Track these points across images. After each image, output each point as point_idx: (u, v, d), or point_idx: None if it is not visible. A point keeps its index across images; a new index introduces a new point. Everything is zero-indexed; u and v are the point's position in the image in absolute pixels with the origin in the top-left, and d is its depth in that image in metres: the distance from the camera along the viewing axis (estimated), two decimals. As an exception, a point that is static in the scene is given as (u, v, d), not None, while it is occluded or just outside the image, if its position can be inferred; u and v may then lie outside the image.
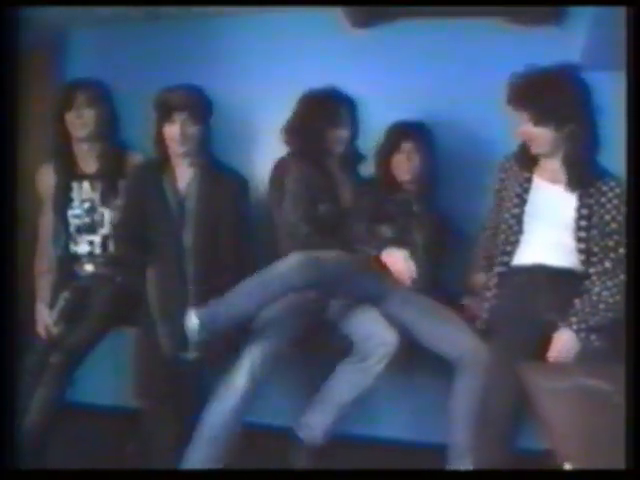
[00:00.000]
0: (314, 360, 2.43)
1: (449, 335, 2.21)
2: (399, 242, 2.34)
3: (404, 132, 2.51)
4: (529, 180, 2.13)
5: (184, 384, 2.29)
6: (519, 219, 2.12)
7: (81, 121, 2.44)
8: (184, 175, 2.45)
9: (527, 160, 2.14)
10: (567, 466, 1.21)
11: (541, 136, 2.05)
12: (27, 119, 2.32)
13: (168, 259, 2.39)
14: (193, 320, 2.11)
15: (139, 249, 2.42)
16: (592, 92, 2.03)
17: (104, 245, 2.50)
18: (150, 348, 2.29)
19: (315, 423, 2.28)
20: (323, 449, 2.27)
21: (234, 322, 2.16)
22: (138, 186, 2.45)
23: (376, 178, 2.55)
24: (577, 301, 2.02)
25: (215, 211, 2.41)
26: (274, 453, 2.25)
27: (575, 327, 1.98)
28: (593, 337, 2.00)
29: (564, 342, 1.98)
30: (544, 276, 2.08)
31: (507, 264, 2.13)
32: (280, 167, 2.51)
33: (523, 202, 2.12)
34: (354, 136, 2.53)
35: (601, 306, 2.01)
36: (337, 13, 2.61)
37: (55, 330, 2.37)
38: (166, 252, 2.40)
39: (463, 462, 2.07)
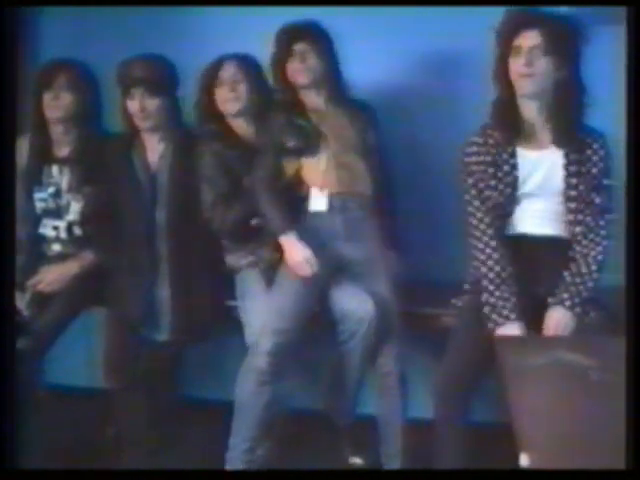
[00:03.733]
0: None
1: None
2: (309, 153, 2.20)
3: (293, 33, 2.23)
4: (514, 154, 1.97)
5: (155, 366, 2.22)
6: (514, 198, 1.97)
7: (57, 103, 2.35)
8: (155, 150, 2.36)
9: (507, 121, 1.96)
10: (523, 458, 1.09)
11: (543, 68, 1.88)
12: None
13: (139, 237, 2.32)
14: None
15: (109, 227, 2.34)
16: (588, 45, 1.90)
17: (69, 230, 2.41)
18: (120, 329, 2.23)
19: (341, 406, 2.30)
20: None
21: None
22: (107, 163, 2.36)
23: (276, 98, 2.30)
24: (566, 274, 1.92)
25: (188, 186, 2.32)
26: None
27: (568, 303, 1.89)
28: (588, 308, 1.91)
29: (558, 321, 1.89)
30: (529, 246, 1.98)
31: (502, 230, 2.00)
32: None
33: (515, 180, 1.96)
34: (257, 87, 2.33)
35: (593, 269, 1.91)
36: None
37: (27, 313, 2.30)
38: (137, 230, 2.33)
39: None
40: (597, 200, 1.93)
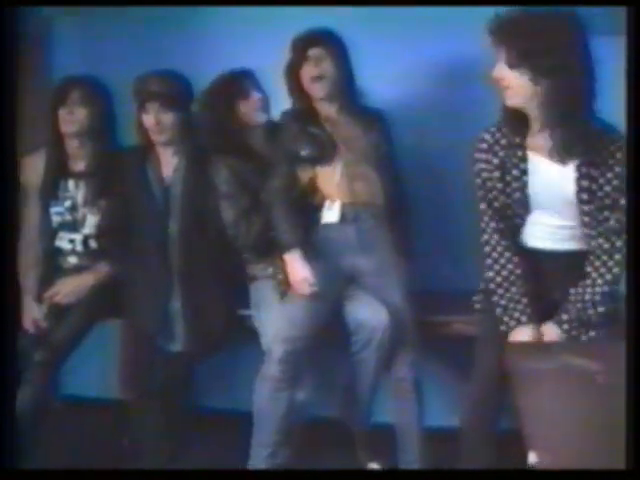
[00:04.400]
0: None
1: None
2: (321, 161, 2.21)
3: (309, 39, 2.23)
4: (524, 159, 1.89)
5: (170, 376, 2.24)
6: (523, 202, 1.91)
7: (72, 118, 2.39)
8: (169, 163, 2.39)
9: (517, 126, 1.89)
10: (532, 456, 1.09)
11: (515, 82, 1.79)
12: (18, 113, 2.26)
13: (153, 249, 2.35)
14: None
15: (123, 240, 2.37)
16: (587, 41, 1.77)
17: (85, 243, 2.44)
18: (135, 339, 2.26)
19: (357, 414, 2.28)
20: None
21: None
22: (122, 176, 2.40)
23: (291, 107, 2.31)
24: (572, 291, 1.87)
25: (201, 199, 2.35)
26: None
27: (565, 327, 1.85)
28: (584, 330, 1.87)
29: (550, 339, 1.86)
30: (542, 260, 1.93)
31: (515, 238, 1.95)
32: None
33: (524, 185, 1.90)
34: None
35: (597, 300, 1.85)
36: None
37: (44, 325, 2.34)
38: (151, 241, 2.36)
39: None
40: (610, 217, 1.85)
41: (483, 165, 1.93)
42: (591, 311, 1.85)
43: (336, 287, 2.20)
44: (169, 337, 2.26)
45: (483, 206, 1.94)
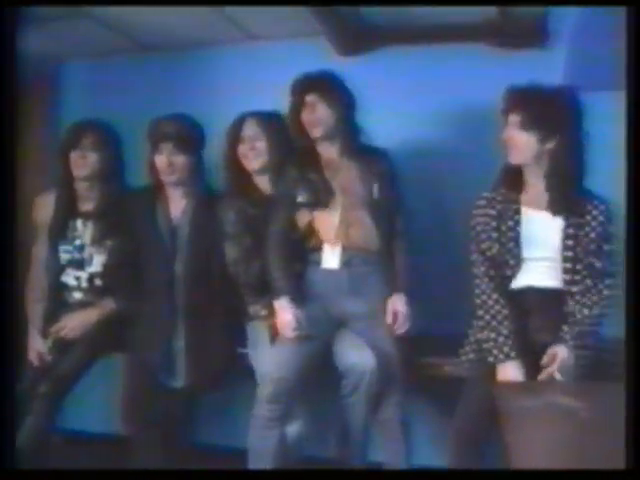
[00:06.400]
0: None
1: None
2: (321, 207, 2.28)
3: (305, 84, 2.28)
4: (518, 211, 2.10)
5: (171, 411, 2.30)
6: (516, 252, 2.08)
7: (84, 162, 2.48)
8: (178, 204, 2.48)
9: (513, 183, 2.11)
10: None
11: (524, 142, 2.04)
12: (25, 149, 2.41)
13: (158, 287, 2.42)
14: None
15: (129, 277, 2.45)
16: (584, 115, 2.04)
17: (90, 281, 2.52)
18: (138, 375, 2.31)
19: (351, 454, 2.31)
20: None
21: None
22: (130, 216, 2.49)
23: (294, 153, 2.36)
24: (565, 327, 2.02)
25: (207, 241, 2.43)
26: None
27: (572, 343, 1.98)
28: (584, 353, 2.00)
29: (560, 357, 1.97)
30: (534, 297, 2.07)
31: (506, 286, 2.10)
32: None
33: (517, 235, 2.08)
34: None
35: (587, 325, 2.01)
36: (322, 42, 2.64)
37: (48, 358, 2.41)
38: (157, 280, 2.43)
39: None
40: (597, 264, 2.03)
41: (480, 218, 2.13)
42: (588, 328, 1.99)
43: (325, 330, 2.27)
44: (171, 373, 2.33)
45: (475, 256, 2.11)
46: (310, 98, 2.27)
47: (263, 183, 2.46)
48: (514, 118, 2.05)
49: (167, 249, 2.43)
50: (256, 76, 2.76)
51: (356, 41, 2.67)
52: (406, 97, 2.65)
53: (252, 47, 2.82)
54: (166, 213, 2.47)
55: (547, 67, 2.39)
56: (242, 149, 2.41)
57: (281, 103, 2.35)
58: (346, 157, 2.34)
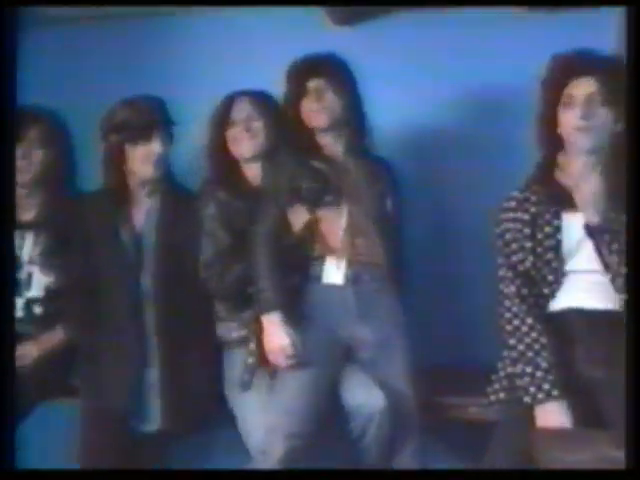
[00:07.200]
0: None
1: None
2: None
3: (307, 69, 2.02)
4: (558, 215, 1.80)
5: (143, 462, 1.97)
6: (556, 265, 1.79)
7: (26, 162, 2.13)
8: (142, 206, 2.14)
9: (552, 179, 1.82)
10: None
11: (601, 119, 1.75)
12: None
13: (122, 310, 2.06)
14: None
15: (83, 301, 2.09)
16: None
17: (28, 309, 2.13)
18: (100, 422, 1.95)
19: None
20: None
21: None
22: (84, 223, 2.12)
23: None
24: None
25: (180, 248, 2.09)
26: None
27: None
28: None
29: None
30: (580, 322, 1.78)
31: (543, 308, 1.81)
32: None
33: (557, 244, 1.79)
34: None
35: None
36: (316, 10, 2.33)
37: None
38: (119, 301, 2.07)
39: None
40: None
41: (510, 224, 1.82)
42: None
43: (328, 360, 1.93)
44: (143, 415, 1.98)
45: (504, 271, 1.82)
46: (314, 84, 1.99)
47: (254, 172, 2.15)
48: (586, 89, 1.75)
49: (131, 261, 2.08)
50: (230, 49, 2.46)
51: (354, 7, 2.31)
52: (415, 76, 2.35)
53: (228, 15, 2.46)
54: (128, 218, 2.12)
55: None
56: (233, 132, 2.13)
57: (267, 80, 2.10)
58: (352, 157, 2.04)
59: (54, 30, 2.55)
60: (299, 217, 1.98)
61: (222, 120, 2.13)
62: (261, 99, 2.14)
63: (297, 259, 1.99)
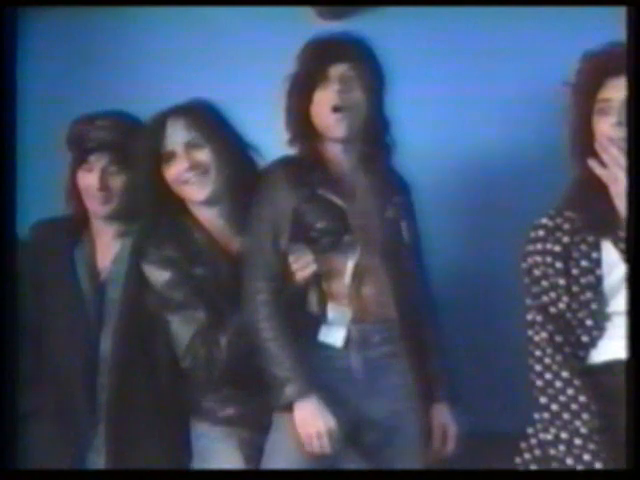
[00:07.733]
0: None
1: None
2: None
3: (331, 49, 1.65)
4: (597, 246, 1.58)
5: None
6: (596, 308, 1.58)
7: None
8: (108, 249, 1.84)
9: (590, 203, 1.59)
10: None
11: None
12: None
13: (73, 376, 1.77)
14: None
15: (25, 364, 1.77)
16: None
17: None
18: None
19: None
20: None
21: None
22: (34, 264, 1.84)
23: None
24: None
25: (149, 304, 1.75)
26: None
27: None
28: None
29: None
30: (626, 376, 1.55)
31: (582, 360, 1.61)
32: None
33: (598, 281, 1.57)
34: None
35: None
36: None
37: None
38: (71, 365, 1.77)
39: None
40: None
41: (538, 258, 1.61)
42: None
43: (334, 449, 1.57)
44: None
45: (533, 315, 1.60)
46: (339, 70, 1.61)
47: (212, 220, 1.76)
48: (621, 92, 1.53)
49: (89, 317, 1.79)
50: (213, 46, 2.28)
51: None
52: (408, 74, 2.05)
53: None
54: (90, 261, 1.83)
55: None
56: (173, 172, 1.71)
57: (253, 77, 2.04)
58: (362, 167, 1.67)
59: (54, 30, 2.47)
60: (302, 262, 1.62)
61: (154, 151, 1.72)
62: (202, 114, 1.74)
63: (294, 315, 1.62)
